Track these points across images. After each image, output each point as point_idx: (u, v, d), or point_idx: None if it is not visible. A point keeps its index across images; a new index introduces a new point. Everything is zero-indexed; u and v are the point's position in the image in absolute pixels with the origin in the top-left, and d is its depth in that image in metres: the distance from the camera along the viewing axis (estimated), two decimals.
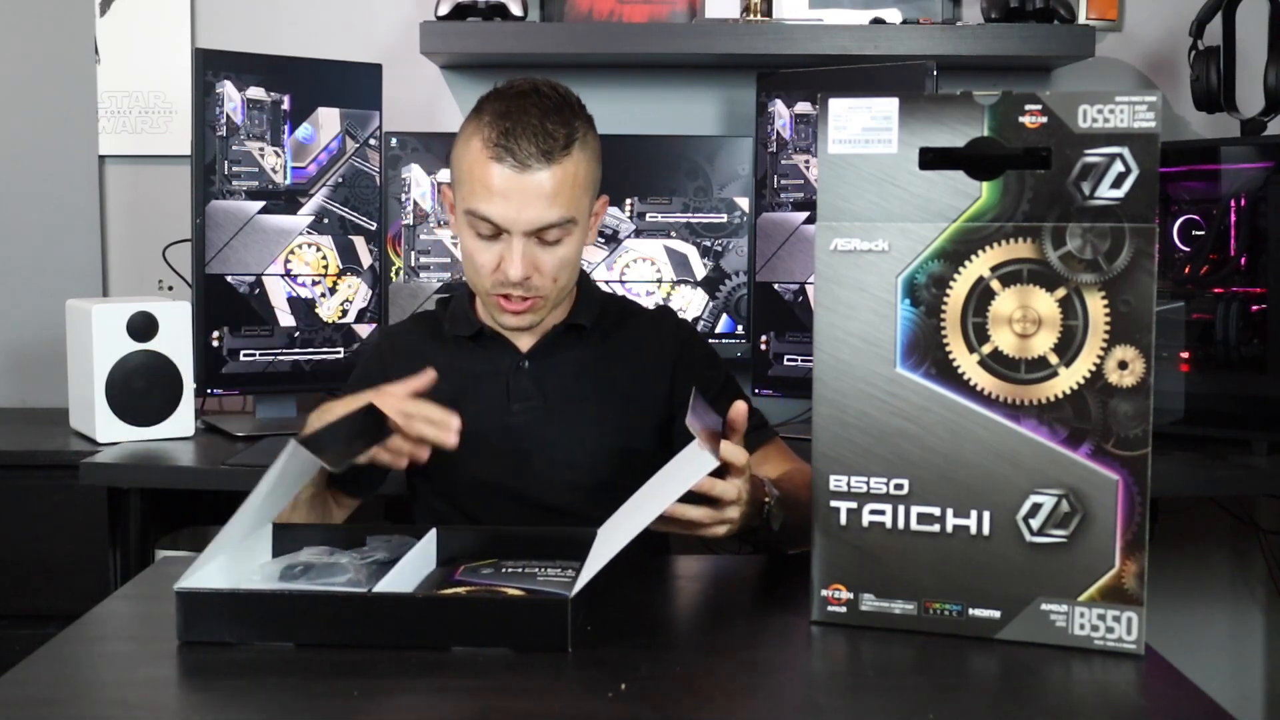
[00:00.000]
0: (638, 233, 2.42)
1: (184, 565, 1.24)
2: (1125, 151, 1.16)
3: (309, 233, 2.34)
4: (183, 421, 2.23)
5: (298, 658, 1.16)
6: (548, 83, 1.60)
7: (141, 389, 2.18)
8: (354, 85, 2.36)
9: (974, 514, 1.21)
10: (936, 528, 1.22)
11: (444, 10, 2.38)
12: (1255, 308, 2.11)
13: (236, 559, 1.32)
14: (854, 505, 1.24)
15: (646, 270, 2.43)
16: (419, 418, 1.41)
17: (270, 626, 1.18)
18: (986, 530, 1.20)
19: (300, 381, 2.37)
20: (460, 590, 1.27)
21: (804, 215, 2.34)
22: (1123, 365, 1.16)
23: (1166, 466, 2.00)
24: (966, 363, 1.20)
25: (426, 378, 1.48)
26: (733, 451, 1.35)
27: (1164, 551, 2.52)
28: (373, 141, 2.37)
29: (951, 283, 1.21)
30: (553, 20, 2.55)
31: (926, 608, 1.23)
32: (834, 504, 1.25)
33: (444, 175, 2.35)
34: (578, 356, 1.68)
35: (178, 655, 1.17)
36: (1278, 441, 2.11)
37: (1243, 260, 2.12)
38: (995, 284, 1.20)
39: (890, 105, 1.22)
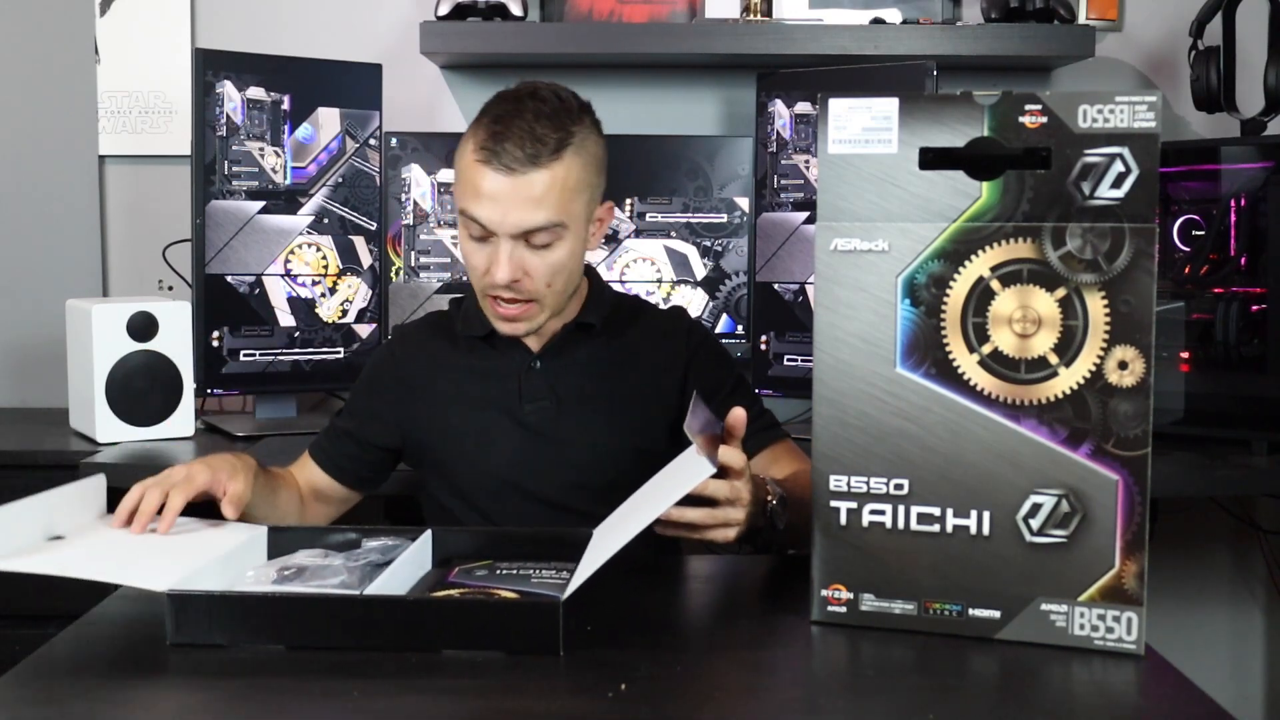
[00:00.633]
0: (638, 233, 2.42)
1: None
2: (1125, 151, 1.16)
3: (309, 233, 2.34)
4: (183, 421, 2.23)
5: (297, 658, 1.16)
6: (551, 87, 1.60)
7: (141, 389, 2.18)
8: (354, 85, 2.36)
9: (974, 514, 1.21)
10: (936, 528, 1.22)
11: (444, 10, 2.38)
12: (1255, 308, 2.11)
13: (231, 561, 1.32)
14: (854, 505, 1.24)
15: (646, 270, 2.43)
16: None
17: (260, 629, 1.18)
18: (986, 530, 1.20)
19: (300, 382, 2.37)
20: (453, 592, 1.27)
21: (804, 215, 2.34)
22: (1123, 365, 1.16)
23: (1166, 466, 2.00)
24: (966, 363, 1.20)
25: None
26: (730, 455, 1.35)
27: (1164, 551, 2.52)
28: (373, 141, 2.37)
29: (951, 283, 1.21)
30: (553, 20, 2.55)
31: (926, 608, 1.23)
32: (834, 504, 1.25)
33: (445, 175, 2.35)
34: (589, 356, 1.69)
35: (178, 656, 1.17)
36: (1278, 441, 2.11)
37: (1243, 260, 2.12)
38: (995, 284, 1.20)
39: (890, 105, 1.22)
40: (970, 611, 1.21)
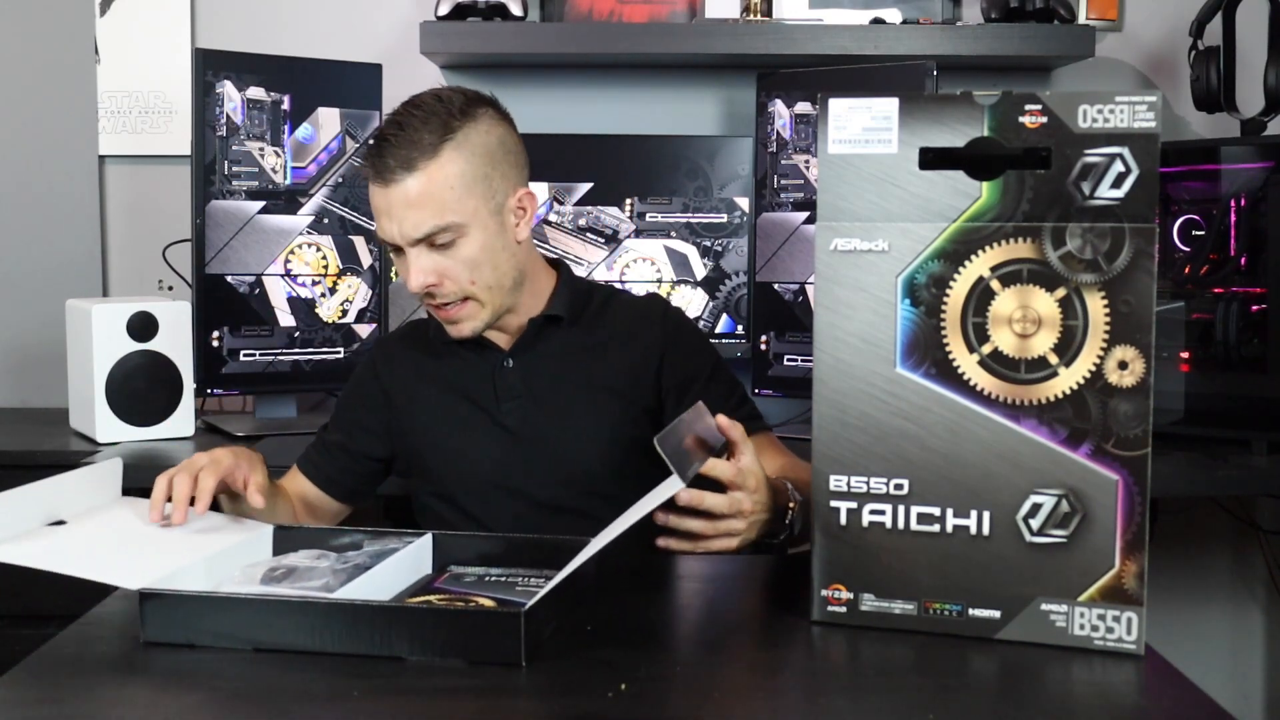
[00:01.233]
0: (638, 233, 2.42)
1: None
2: (1125, 151, 1.16)
3: (309, 233, 2.35)
4: (183, 421, 2.23)
5: (297, 659, 1.16)
6: (436, 91, 1.59)
7: (141, 389, 2.18)
8: (354, 85, 2.36)
9: (974, 514, 1.21)
10: (936, 528, 1.22)
11: (444, 10, 2.38)
12: (1255, 308, 2.11)
13: (227, 558, 1.32)
14: (854, 505, 1.24)
15: (646, 270, 2.43)
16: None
17: (225, 630, 1.17)
18: (986, 530, 1.20)
19: (300, 381, 2.37)
20: (431, 599, 1.26)
21: (804, 215, 2.34)
22: (1123, 365, 1.16)
23: (1166, 466, 2.00)
24: (966, 363, 1.20)
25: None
26: (720, 468, 1.35)
27: (1164, 551, 2.52)
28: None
29: (951, 283, 1.21)
30: (553, 20, 2.55)
31: (926, 608, 1.23)
32: (834, 504, 1.25)
33: None
34: (562, 348, 1.68)
35: (177, 656, 1.17)
36: (1278, 441, 2.11)
37: (1243, 260, 2.12)
38: (995, 284, 1.20)
39: (890, 105, 1.22)
40: (970, 611, 1.21)
